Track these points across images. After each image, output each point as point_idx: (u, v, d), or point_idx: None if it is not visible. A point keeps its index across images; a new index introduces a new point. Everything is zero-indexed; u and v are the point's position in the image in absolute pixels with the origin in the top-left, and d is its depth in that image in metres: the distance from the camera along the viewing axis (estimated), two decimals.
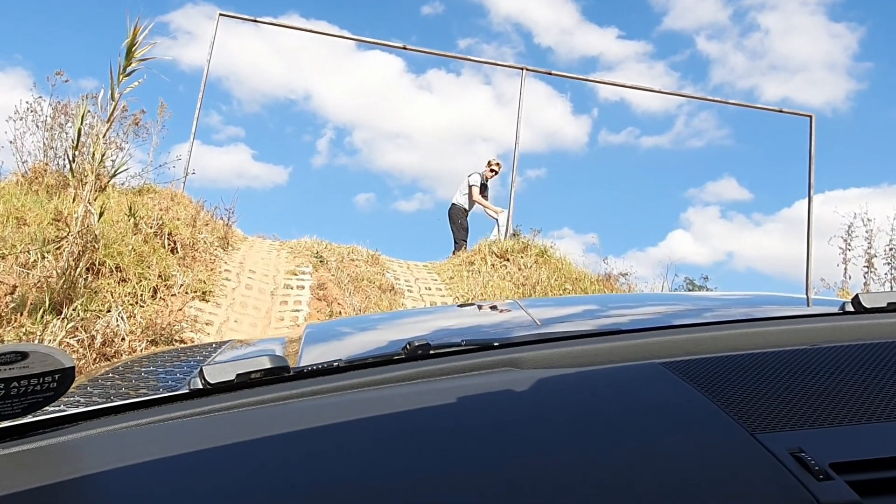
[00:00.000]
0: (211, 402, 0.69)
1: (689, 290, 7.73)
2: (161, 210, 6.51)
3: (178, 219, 6.58)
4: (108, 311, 4.51)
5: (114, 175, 5.75)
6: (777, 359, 0.71)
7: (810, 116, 9.50)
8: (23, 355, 0.61)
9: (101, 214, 4.75)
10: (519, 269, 7.64)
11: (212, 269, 6.24)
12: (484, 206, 8.90)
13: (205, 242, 6.59)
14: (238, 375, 0.74)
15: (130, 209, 5.95)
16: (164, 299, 5.16)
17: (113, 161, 5.81)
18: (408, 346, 0.85)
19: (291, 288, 6.44)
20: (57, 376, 0.63)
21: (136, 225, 5.78)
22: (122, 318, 4.40)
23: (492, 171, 8.91)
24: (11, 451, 0.61)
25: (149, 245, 5.62)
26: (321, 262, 7.22)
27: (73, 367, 0.64)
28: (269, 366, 0.75)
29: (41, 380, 0.62)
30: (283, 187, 20.13)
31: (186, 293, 5.41)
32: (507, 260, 7.85)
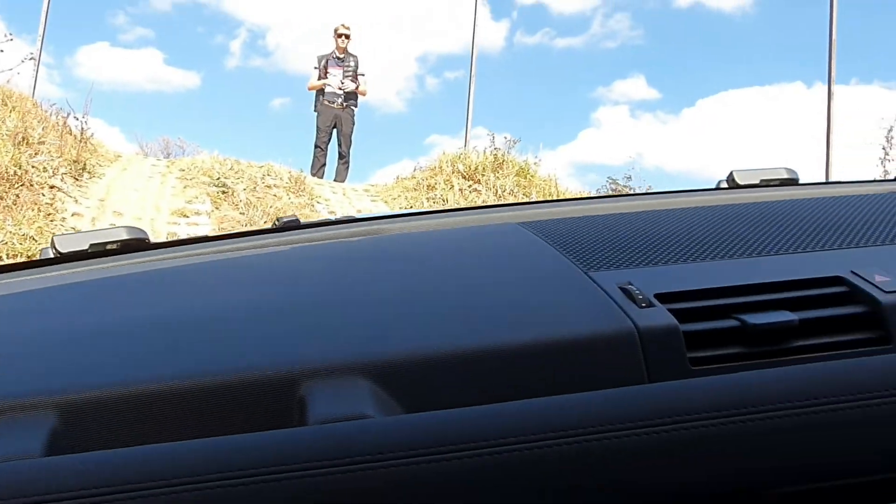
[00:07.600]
0: (60, 269, 0.68)
1: (614, 191, 7.72)
2: None
3: None
4: None
5: None
6: (628, 218, 0.74)
7: None
8: None
9: None
10: (496, 195, 6.15)
11: (49, 215, 4.29)
12: (322, 87, 6.92)
13: (43, 169, 4.62)
14: (91, 245, 0.72)
15: None
16: None
17: None
18: (276, 221, 0.86)
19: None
20: None
21: None
22: None
23: (340, 36, 6.93)
24: None
25: None
26: (224, 192, 5.42)
27: None
28: (125, 237, 0.74)
29: None
30: (195, 92, 19.24)
31: None
32: (479, 182, 6.33)
